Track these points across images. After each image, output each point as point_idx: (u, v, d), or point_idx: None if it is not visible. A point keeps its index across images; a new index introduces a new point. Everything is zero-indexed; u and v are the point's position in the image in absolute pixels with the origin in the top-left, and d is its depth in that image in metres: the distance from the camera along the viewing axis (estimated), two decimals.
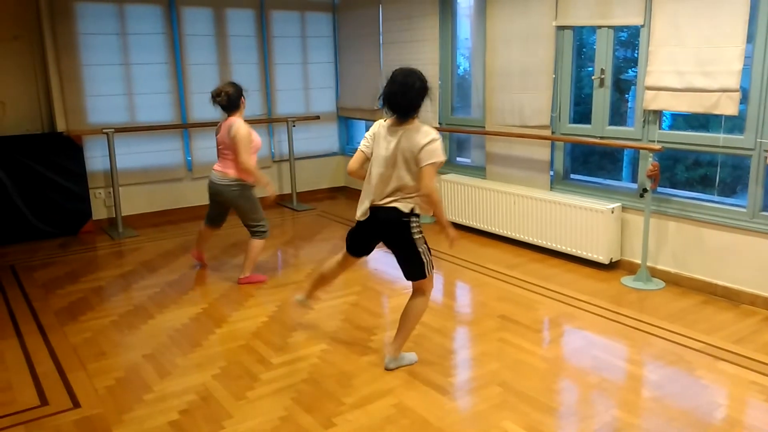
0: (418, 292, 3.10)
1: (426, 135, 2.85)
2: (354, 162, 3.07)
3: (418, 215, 2.96)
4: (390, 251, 3.08)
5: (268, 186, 4.28)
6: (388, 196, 2.93)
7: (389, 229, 2.98)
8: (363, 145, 3.06)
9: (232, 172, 4.22)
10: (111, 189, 5.93)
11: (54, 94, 5.72)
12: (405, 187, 2.90)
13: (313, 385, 3.00)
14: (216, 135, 4.38)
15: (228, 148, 4.20)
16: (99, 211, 6.05)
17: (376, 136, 2.99)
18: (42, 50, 5.66)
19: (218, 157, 4.35)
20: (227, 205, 4.40)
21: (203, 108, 6.44)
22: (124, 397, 2.92)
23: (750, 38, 3.69)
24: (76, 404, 2.86)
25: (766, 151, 3.68)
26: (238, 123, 4.16)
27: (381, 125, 3.01)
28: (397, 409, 2.77)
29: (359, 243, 3.18)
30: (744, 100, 3.79)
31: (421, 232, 2.99)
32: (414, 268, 3.01)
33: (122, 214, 5.94)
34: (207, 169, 6.59)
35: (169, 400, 2.88)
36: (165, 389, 2.98)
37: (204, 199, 6.62)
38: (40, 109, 5.78)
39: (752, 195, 3.86)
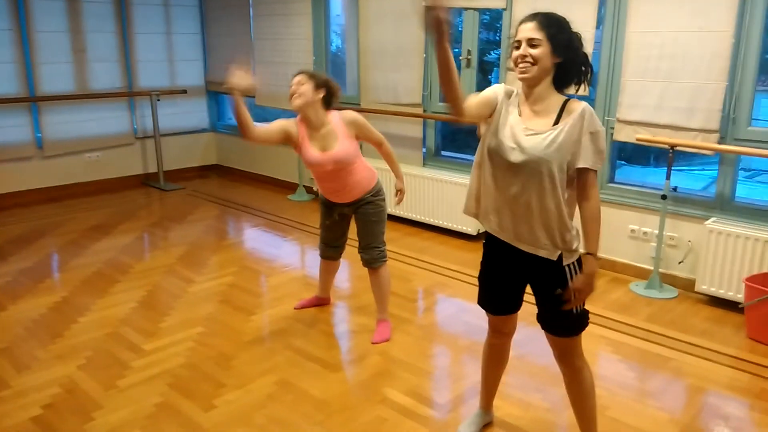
0: (578, 360, 2.12)
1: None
2: (470, 101, 1.98)
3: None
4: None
5: None
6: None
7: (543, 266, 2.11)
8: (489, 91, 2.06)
9: None
10: None
11: None
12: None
13: (190, 369, 2.91)
14: None
15: None
16: None
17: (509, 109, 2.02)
18: None
19: None
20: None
21: (54, 80, 5.93)
22: None
23: (599, 23, 4.02)
24: None
25: (612, 128, 4.05)
26: None
27: (512, 93, 2.05)
28: (280, 385, 2.77)
29: (505, 287, 2.24)
30: (593, 82, 4.15)
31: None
32: (577, 316, 2.11)
33: None
34: (59, 147, 6.15)
35: (29, 395, 2.66)
36: (24, 384, 2.75)
37: (58, 179, 6.17)
38: None
39: None
